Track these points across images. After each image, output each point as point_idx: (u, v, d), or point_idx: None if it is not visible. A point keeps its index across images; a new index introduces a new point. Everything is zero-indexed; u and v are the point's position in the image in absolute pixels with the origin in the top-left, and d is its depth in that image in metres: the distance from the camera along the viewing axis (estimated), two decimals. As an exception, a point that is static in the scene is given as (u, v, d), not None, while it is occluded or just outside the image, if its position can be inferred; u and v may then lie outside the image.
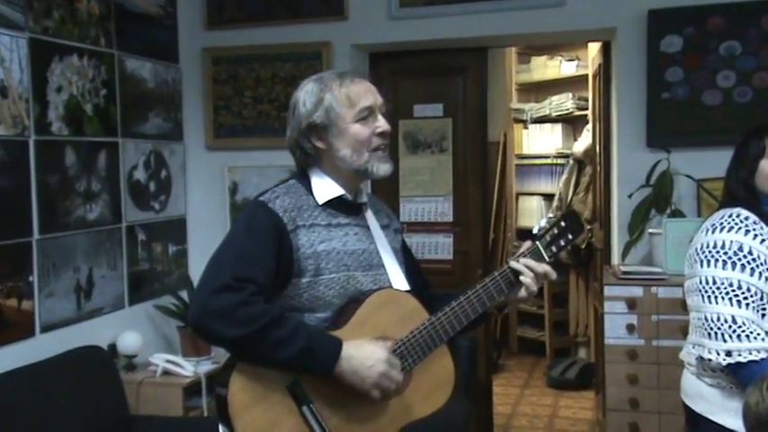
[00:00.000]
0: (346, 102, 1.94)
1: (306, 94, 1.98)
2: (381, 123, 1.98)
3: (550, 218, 2.05)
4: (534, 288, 1.98)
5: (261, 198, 1.94)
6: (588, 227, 5.20)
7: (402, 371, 1.91)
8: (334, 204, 1.98)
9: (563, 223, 2.03)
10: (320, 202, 1.96)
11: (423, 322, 1.94)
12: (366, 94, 1.97)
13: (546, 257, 2.00)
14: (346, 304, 1.93)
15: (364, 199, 2.07)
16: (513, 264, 1.98)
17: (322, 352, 1.80)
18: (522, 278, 1.97)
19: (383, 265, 2.01)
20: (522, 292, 1.99)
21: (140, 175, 3.98)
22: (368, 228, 2.05)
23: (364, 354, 1.83)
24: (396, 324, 1.93)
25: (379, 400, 1.86)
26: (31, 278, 3.23)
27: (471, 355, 3.88)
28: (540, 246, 2.01)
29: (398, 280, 2.02)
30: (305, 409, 1.83)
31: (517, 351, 6.44)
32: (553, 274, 2.00)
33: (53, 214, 3.36)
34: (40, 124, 3.29)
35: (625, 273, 3.40)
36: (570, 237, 2.03)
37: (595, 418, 4.69)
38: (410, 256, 2.22)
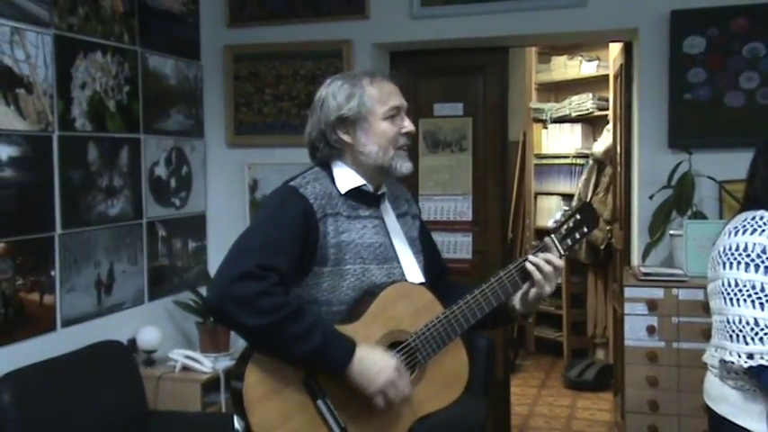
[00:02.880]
0: (378, 98, 1.99)
1: (336, 88, 2.01)
2: (407, 124, 2.03)
3: (565, 210, 2.05)
4: (544, 283, 1.98)
5: (292, 183, 1.97)
6: (608, 227, 5.18)
7: (416, 364, 1.92)
8: (355, 195, 2.00)
9: (578, 216, 2.04)
10: (342, 192, 1.99)
11: (437, 315, 1.95)
12: (395, 94, 2.03)
13: (561, 251, 2.01)
14: (361, 297, 1.95)
15: (383, 190, 2.09)
16: (531, 259, 2.00)
17: (335, 351, 1.82)
18: (527, 266, 1.99)
19: (397, 259, 2.03)
20: (534, 290, 2.00)
21: (161, 171, 4.00)
22: (383, 220, 2.06)
23: (375, 358, 1.85)
24: (410, 317, 1.95)
25: (382, 407, 1.86)
26: (53, 272, 3.26)
27: (489, 355, 3.86)
28: (555, 239, 2.02)
29: (413, 273, 2.04)
30: (320, 402, 1.84)
31: (534, 351, 6.42)
32: (561, 263, 2.00)
33: (75, 209, 3.39)
34: (63, 120, 3.32)
35: (645, 274, 3.38)
36: (585, 229, 2.05)
37: (613, 420, 4.67)
38: (429, 241, 2.23)
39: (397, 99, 2.03)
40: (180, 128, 4.16)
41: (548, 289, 2.01)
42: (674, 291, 3.25)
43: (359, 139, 1.99)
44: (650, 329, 3.25)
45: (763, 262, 1.93)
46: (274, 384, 1.84)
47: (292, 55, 4.22)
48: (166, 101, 4.05)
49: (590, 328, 6.07)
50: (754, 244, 1.95)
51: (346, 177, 2.01)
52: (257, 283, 1.78)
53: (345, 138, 1.99)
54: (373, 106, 1.98)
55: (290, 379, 1.84)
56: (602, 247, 5.44)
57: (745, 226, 1.99)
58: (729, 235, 2.01)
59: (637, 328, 3.27)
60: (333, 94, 2.00)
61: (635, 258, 3.86)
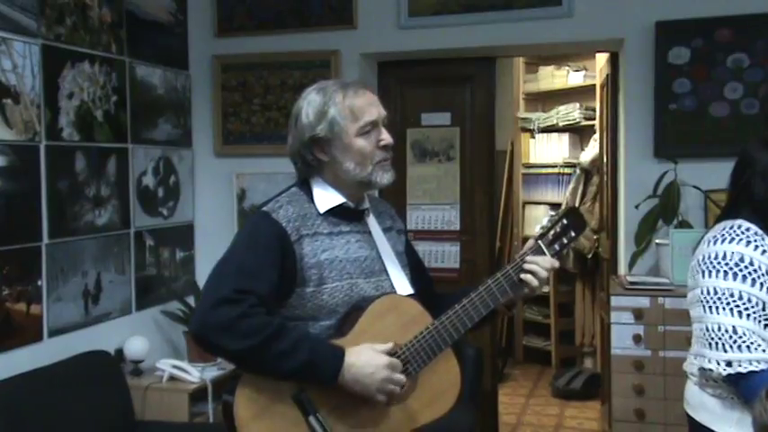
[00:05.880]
0: (350, 115, 1.93)
1: (308, 105, 1.96)
2: (385, 137, 1.98)
3: (552, 216, 2.05)
4: (536, 283, 1.98)
5: (264, 208, 1.94)
6: (595, 236, 5.21)
7: (407, 376, 1.92)
8: (336, 212, 1.98)
9: (565, 221, 2.03)
10: (321, 211, 1.96)
11: (426, 327, 1.95)
12: (370, 107, 1.96)
13: (549, 256, 2.01)
14: (349, 312, 1.93)
15: (366, 205, 2.07)
16: (522, 265, 1.98)
17: (324, 363, 1.81)
18: (524, 276, 1.98)
19: (385, 271, 2.02)
20: (527, 291, 2.01)
21: (149, 180, 4.00)
22: (370, 234, 2.05)
23: (364, 361, 1.83)
24: (399, 330, 1.94)
25: (385, 403, 1.86)
26: (39, 282, 3.25)
27: (477, 364, 3.88)
28: (542, 245, 2.01)
29: (401, 285, 2.02)
30: (311, 418, 1.83)
31: (522, 360, 6.43)
32: (556, 263, 2.00)
33: (62, 219, 3.38)
34: (51, 130, 3.32)
35: (632, 283, 3.40)
36: (573, 234, 2.03)
37: (601, 428, 4.68)
38: (414, 256, 2.21)
39: (372, 113, 1.96)
40: (168, 137, 4.16)
41: (538, 291, 2.02)
42: (660, 300, 3.27)
43: (335, 158, 1.95)
44: (636, 338, 3.27)
45: (741, 270, 1.95)
46: (265, 402, 1.83)
47: (280, 65, 4.23)
48: (154, 110, 4.04)
49: (578, 336, 6.08)
50: (733, 253, 1.97)
51: (325, 196, 1.98)
52: (236, 307, 1.76)
53: (321, 156, 1.96)
54: (346, 124, 1.93)
55: (281, 396, 1.83)
56: (590, 255, 5.47)
57: (723, 235, 2.01)
58: (708, 244, 2.03)
59: (623, 337, 3.29)
60: (305, 112, 1.95)
61: (622, 267, 3.89)
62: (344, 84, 2.00)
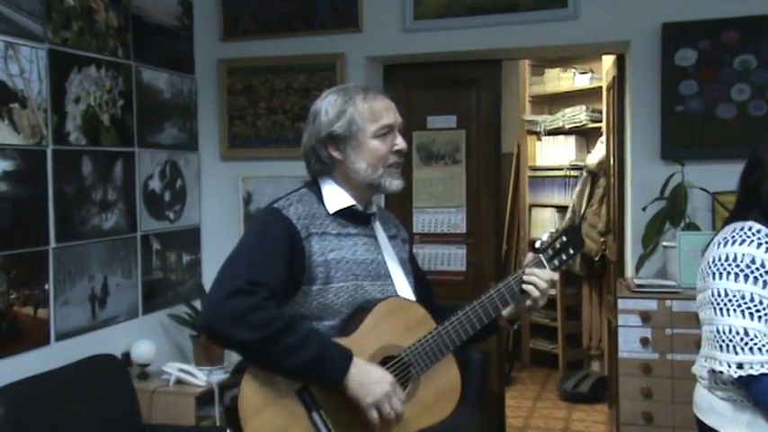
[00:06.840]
0: (369, 116, 1.98)
1: (329, 104, 2.01)
2: (399, 142, 2.02)
3: (552, 232, 2.09)
4: (537, 294, 2.01)
5: (275, 205, 1.97)
6: (602, 239, 5.19)
7: (409, 379, 1.93)
8: (345, 214, 2.01)
9: (564, 238, 2.08)
10: (331, 212, 1.99)
11: (430, 331, 1.96)
12: (388, 111, 2.02)
13: (548, 270, 2.04)
14: (354, 312, 1.94)
15: (374, 210, 2.10)
16: (523, 276, 2.01)
17: (332, 361, 1.82)
18: (525, 287, 2.01)
19: (390, 276, 2.04)
20: (529, 302, 2.03)
21: (155, 184, 4.01)
22: (376, 238, 2.07)
23: (372, 370, 1.85)
24: (403, 332, 1.95)
25: (376, 422, 1.84)
26: (47, 286, 3.26)
27: (484, 367, 3.87)
28: (543, 259, 2.05)
29: (405, 290, 2.05)
30: (314, 414, 1.83)
31: (529, 363, 6.41)
32: (556, 276, 2.04)
33: (69, 223, 3.39)
34: (57, 134, 3.33)
35: (639, 286, 3.39)
36: (571, 251, 2.08)
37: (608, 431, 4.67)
38: (417, 267, 2.24)
39: (390, 117, 2.01)
40: (174, 141, 4.17)
41: (542, 302, 2.04)
42: (668, 302, 3.26)
43: (348, 157, 1.99)
44: (644, 341, 3.26)
45: (752, 272, 1.94)
46: (269, 396, 1.83)
47: (286, 68, 4.23)
48: (160, 114, 4.05)
49: (585, 339, 6.07)
50: (744, 254, 1.96)
51: (335, 197, 2.01)
52: (248, 299, 1.78)
53: (336, 155, 2.00)
54: (364, 124, 1.97)
55: (285, 391, 1.84)
56: (597, 258, 5.46)
57: (734, 237, 2.00)
58: (719, 246, 2.02)
59: (630, 340, 3.28)
60: (325, 110, 2.00)
61: (629, 270, 3.87)
62: (365, 87, 2.07)
